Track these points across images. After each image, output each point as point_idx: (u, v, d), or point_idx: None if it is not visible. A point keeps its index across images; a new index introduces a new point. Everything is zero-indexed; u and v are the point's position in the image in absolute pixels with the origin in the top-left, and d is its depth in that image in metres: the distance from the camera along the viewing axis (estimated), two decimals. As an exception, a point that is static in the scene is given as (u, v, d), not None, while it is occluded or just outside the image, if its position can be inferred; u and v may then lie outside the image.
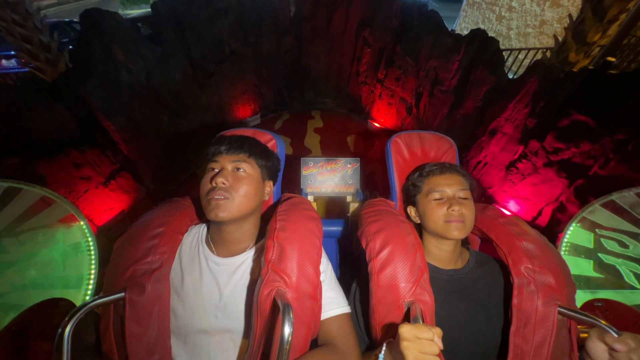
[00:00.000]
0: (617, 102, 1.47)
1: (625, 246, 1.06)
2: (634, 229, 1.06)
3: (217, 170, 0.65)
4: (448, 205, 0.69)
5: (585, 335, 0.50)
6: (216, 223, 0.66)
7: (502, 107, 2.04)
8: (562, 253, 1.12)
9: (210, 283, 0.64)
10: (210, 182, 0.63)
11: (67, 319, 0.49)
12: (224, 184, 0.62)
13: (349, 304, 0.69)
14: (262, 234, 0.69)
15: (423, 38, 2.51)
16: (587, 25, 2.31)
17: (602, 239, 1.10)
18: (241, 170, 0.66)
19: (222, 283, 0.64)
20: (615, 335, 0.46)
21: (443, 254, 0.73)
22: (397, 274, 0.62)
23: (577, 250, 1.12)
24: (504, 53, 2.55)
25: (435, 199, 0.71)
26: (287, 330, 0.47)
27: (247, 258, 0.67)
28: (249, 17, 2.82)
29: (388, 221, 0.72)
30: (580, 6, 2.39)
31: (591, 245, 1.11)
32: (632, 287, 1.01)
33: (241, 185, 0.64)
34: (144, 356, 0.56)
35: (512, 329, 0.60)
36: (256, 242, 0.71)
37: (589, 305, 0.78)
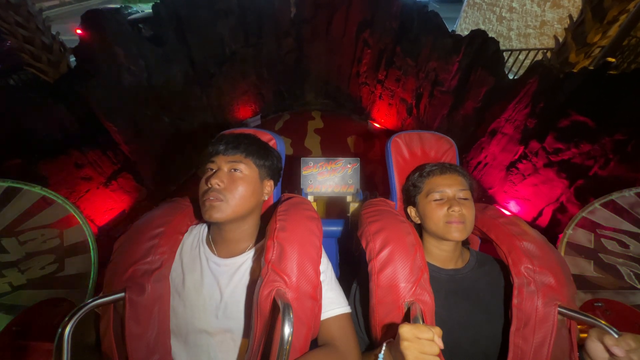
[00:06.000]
0: (617, 103, 1.47)
1: (625, 246, 1.06)
2: (634, 229, 1.06)
3: (214, 171, 0.65)
4: (448, 205, 0.69)
5: (585, 335, 0.50)
6: (214, 223, 0.66)
7: (502, 108, 2.04)
8: (562, 253, 1.12)
9: (211, 283, 0.64)
10: (206, 182, 0.63)
11: (67, 319, 0.49)
12: (218, 185, 0.62)
13: (349, 304, 0.69)
14: (262, 234, 0.69)
15: (423, 39, 2.52)
16: (588, 26, 2.32)
17: (602, 239, 1.09)
18: (237, 170, 0.65)
19: (222, 283, 0.64)
20: (616, 336, 0.46)
21: (443, 254, 0.73)
22: (397, 274, 0.61)
23: (577, 250, 1.12)
24: (504, 54, 2.55)
25: (435, 200, 0.71)
26: (287, 330, 0.47)
27: (247, 259, 0.67)
28: (250, 18, 2.84)
29: (388, 221, 0.72)
30: (580, 7, 2.39)
31: (591, 245, 1.10)
32: (632, 287, 1.01)
33: (236, 186, 0.63)
34: (144, 356, 0.56)
35: (512, 329, 0.60)
36: (256, 243, 0.71)
37: (589, 305, 0.78)
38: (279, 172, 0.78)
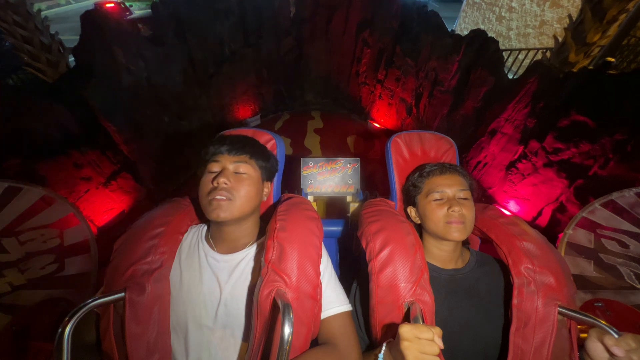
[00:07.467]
0: (617, 103, 1.47)
1: (625, 246, 1.06)
2: (634, 229, 1.06)
3: (218, 170, 0.65)
4: (448, 205, 0.69)
5: (585, 335, 0.50)
6: (217, 223, 0.66)
7: (502, 108, 2.04)
8: (562, 253, 1.12)
9: (210, 279, 0.64)
10: (212, 182, 0.63)
11: (67, 319, 0.49)
12: (225, 184, 0.62)
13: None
14: (262, 233, 0.70)
15: (423, 39, 2.52)
16: (587, 25, 2.32)
17: (602, 239, 1.09)
18: (242, 171, 0.66)
19: (222, 279, 0.64)
20: (616, 336, 0.46)
21: (443, 254, 0.73)
22: (397, 274, 0.62)
23: (577, 250, 1.12)
24: (503, 53, 2.56)
25: (435, 200, 0.71)
26: (287, 330, 0.47)
27: (246, 255, 0.67)
28: (250, 18, 2.83)
29: (388, 221, 0.72)
30: (580, 7, 2.40)
31: (591, 245, 1.10)
32: (632, 287, 1.00)
33: (243, 186, 0.64)
34: (144, 356, 0.56)
35: (512, 329, 0.60)
36: (256, 240, 0.71)
37: (589, 305, 0.78)
38: (275, 174, 0.80)
